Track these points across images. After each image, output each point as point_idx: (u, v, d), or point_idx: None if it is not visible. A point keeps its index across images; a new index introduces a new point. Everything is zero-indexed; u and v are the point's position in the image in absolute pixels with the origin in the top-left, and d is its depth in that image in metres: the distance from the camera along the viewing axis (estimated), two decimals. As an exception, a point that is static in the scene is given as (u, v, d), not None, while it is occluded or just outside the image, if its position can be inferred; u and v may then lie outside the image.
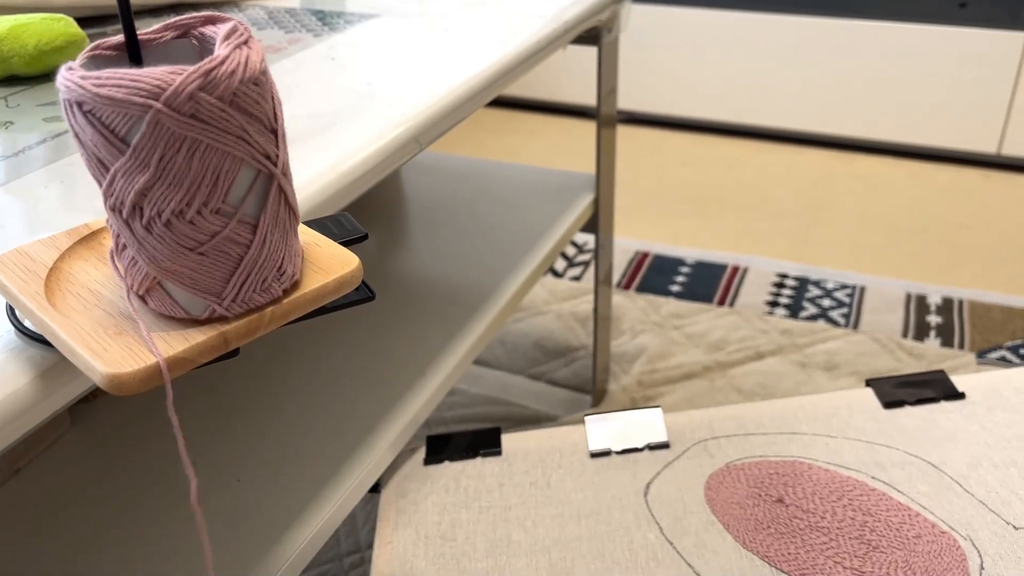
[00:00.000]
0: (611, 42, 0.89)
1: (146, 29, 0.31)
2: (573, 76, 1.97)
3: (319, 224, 0.42)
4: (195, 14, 0.31)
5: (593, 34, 0.85)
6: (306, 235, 0.35)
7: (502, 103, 2.11)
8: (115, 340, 0.28)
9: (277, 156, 0.31)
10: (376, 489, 0.67)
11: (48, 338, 0.29)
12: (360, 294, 0.40)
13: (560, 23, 0.73)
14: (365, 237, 0.41)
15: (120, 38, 0.29)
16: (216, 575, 0.52)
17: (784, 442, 0.64)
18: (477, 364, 1.20)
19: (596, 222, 0.98)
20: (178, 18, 0.31)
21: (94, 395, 0.65)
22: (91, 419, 0.65)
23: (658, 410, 0.69)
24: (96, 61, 0.29)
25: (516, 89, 2.05)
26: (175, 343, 0.28)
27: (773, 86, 1.80)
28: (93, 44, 0.29)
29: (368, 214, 0.94)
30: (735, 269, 1.38)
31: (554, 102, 2.02)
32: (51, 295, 0.30)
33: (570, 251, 1.47)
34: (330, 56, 0.67)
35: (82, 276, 0.32)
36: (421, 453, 0.69)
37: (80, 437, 0.63)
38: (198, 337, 0.28)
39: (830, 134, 1.80)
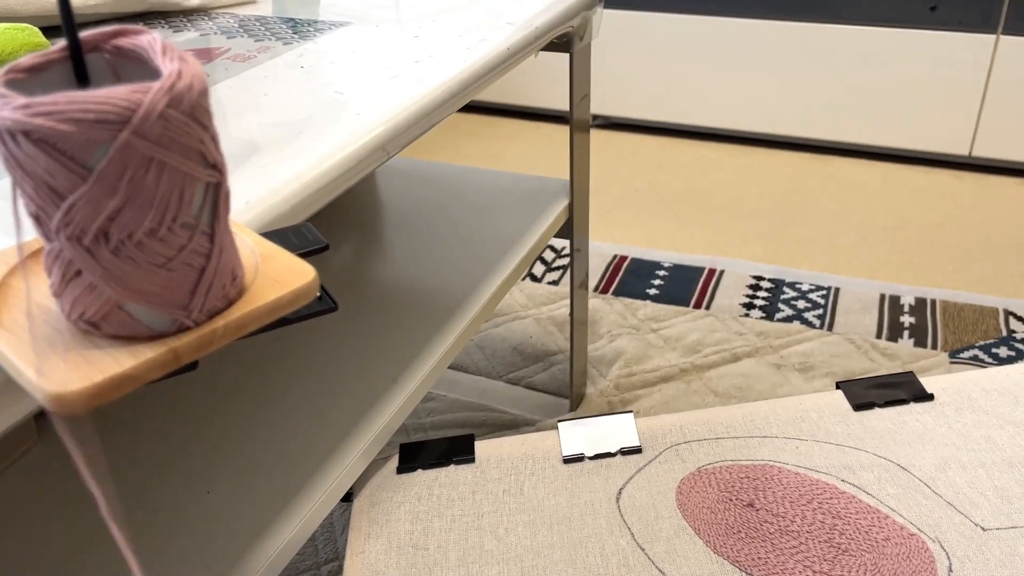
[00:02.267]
0: (582, 49, 0.89)
1: (53, 47, 0.30)
2: (551, 81, 1.97)
3: (279, 235, 0.41)
4: (103, 28, 0.30)
5: (564, 41, 0.86)
6: (262, 247, 0.35)
7: (480, 108, 2.11)
8: (62, 358, 0.27)
9: (222, 163, 0.31)
10: (349, 498, 0.66)
11: (-5, 356, 0.29)
12: (322, 305, 0.40)
13: (530, 30, 0.74)
14: (326, 248, 0.41)
15: (28, 60, 0.29)
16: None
17: (755, 446, 0.64)
18: (456, 369, 1.20)
19: (571, 227, 0.98)
20: (86, 33, 0.30)
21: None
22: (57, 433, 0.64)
23: (630, 415, 0.69)
24: (14, 86, 0.29)
25: (494, 94, 2.05)
26: (123, 360, 0.27)
27: (747, 90, 1.81)
28: (5, 68, 0.28)
29: (343, 219, 0.94)
30: (711, 272, 1.38)
31: (532, 107, 2.02)
32: (-1, 311, 0.30)
33: (548, 255, 1.47)
34: (299, 64, 0.67)
35: (32, 292, 0.31)
36: (394, 461, 0.69)
37: (47, 451, 0.63)
38: (147, 353, 0.28)
39: (804, 137, 1.81)
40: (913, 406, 0.67)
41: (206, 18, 0.81)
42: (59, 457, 0.62)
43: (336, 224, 0.93)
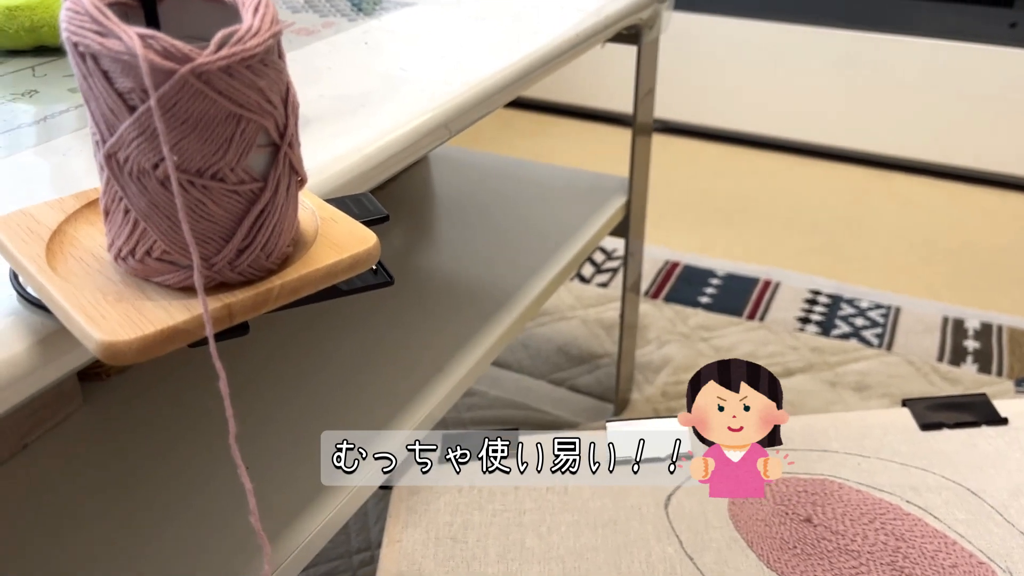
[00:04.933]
0: (651, 41, 0.87)
1: None
2: (607, 81, 1.94)
3: (340, 203, 0.40)
4: None
5: (633, 32, 0.83)
6: (324, 211, 0.33)
7: (534, 106, 2.09)
8: (114, 307, 0.26)
9: None
10: (388, 486, 0.65)
11: (45, 302, 0.28)
12: (378, 278, 0.38)
13: (600, 18, 0.72)
14: (387, 218, 0.39)
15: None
16: (220, 563, 0.51)
17: (814, 459, 0.61)
18: (498, 366, 1.18)
19: (627, 226, 0.95)
20: None
21: (107, 373, 0.64)
22: (103, 398, 0.64)
23: (683, 420, 0.67)
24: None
25: (549, 92, 2.03)
26: (176, 313, 0.26)
27: (812, 100, 1.76)
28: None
29: (395, 206, 0.93)
30: (767, 283, 1.35)
31: (587, 107, 2.00)
32: (52, 259, 0.29)
33: (598, 257, 1.44)
34: (363, 40, 0.66)
35: (87, 241, 0.30)
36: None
37: (90, 415, 0.62)
38: (200, 308, 0.26)
39: (868, 151, 1.76)
40: (985, 429, 0.64)
41: (272, -6, 0.80)
42: (100, 422, 0.62)
43: (388, 209, 0.92)
